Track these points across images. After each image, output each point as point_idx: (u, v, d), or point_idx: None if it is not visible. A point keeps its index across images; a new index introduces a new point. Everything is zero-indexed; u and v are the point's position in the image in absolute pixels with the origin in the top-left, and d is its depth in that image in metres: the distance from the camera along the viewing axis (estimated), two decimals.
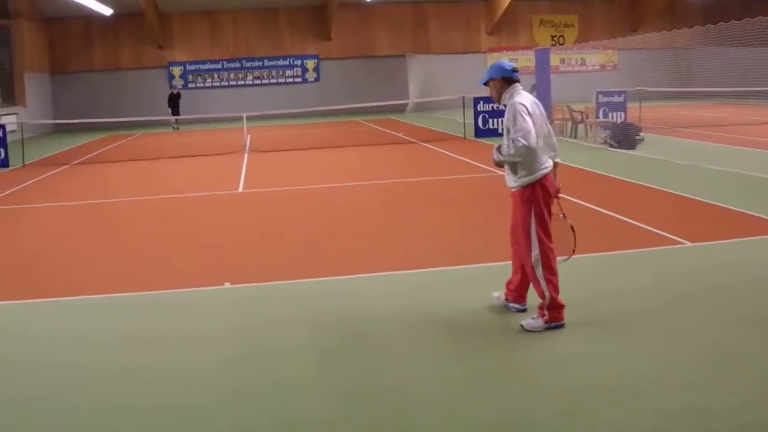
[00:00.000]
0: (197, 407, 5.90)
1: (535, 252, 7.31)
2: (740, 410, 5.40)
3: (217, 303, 8.74)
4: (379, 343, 7.09)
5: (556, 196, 7.55)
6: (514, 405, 5.68)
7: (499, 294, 7.99)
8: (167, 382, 6.41)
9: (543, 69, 27.31)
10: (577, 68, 46.42)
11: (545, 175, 7.33)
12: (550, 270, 7.32)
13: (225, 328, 7.72)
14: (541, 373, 6.27)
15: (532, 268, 7.34)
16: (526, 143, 7.04)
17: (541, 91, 26.71)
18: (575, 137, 24.21)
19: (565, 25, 47.58)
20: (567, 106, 25.38)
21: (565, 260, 7.59)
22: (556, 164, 7.56)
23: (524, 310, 7.69)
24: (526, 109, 7.15)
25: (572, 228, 7.57)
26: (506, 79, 7.41)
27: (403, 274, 9.43)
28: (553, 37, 47.27)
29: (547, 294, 7.25)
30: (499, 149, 7.33)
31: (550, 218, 7.42)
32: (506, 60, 7.82)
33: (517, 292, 7.80)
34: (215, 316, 8.20)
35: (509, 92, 7.40)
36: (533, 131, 7.07)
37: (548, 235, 7.37)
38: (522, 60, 44.53)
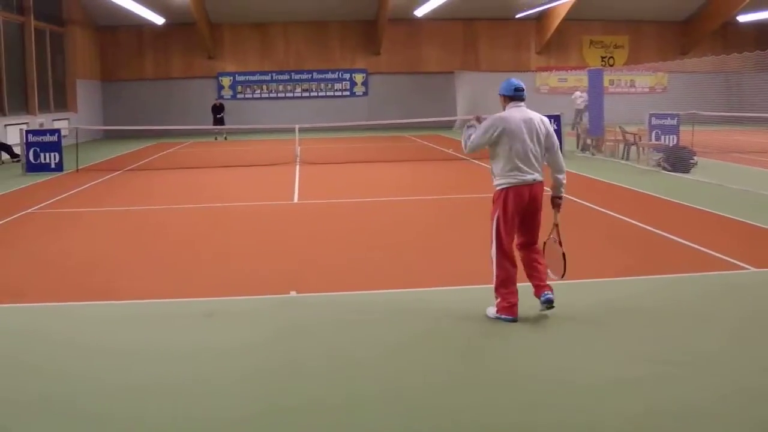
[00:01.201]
0: (270, 418, 5.92)
1: (493, 248, 8.23)
2: None
3: (284, 311, 8.74)
4: (455, 358, 7.10)
5: (555, 223, 8.53)
6: None
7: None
8: (238, 395, 6.42)
9: (596, 89, 27.18)
10: (626, 90, 46.13)
11: (515, 188, 8.07)
12: (500, 267, 8.18)
13: (293, 338, 7.76)
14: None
15: (491, 258, 8.27)
16: (463, 146, 8.55)
17: (594, 111, 26.65)
18: (627, 159, 24.08)
19: (616, 46, 47.35)
20: (620, 127, 25.25)
21: (555, 280, 8.39)
22: (555, 184, 8.45)
23: (550, 290, 8.24)
24: (494, 125, 8.14)
25: (564, 255, 8.33)
26: (508, 97, 8.31)
27: (467, 289, 9.40)
28: (603, 57, 47.06)
29: (494, 283, 8.19)
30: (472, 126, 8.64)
31: (506, 224, 8.15)
32: (516, 79, 8.39)
33: (534, 283, 8.34)
34: (285, 324, 8.21)
35: (507, 107, 8.31)
36: (476, 145, 8.34)
37: (507, 235, 8.17)
38: (571, 80, 44.56)
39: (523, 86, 8.35)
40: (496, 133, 8.09)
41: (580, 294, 9.07)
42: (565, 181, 8.41)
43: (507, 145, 8.07)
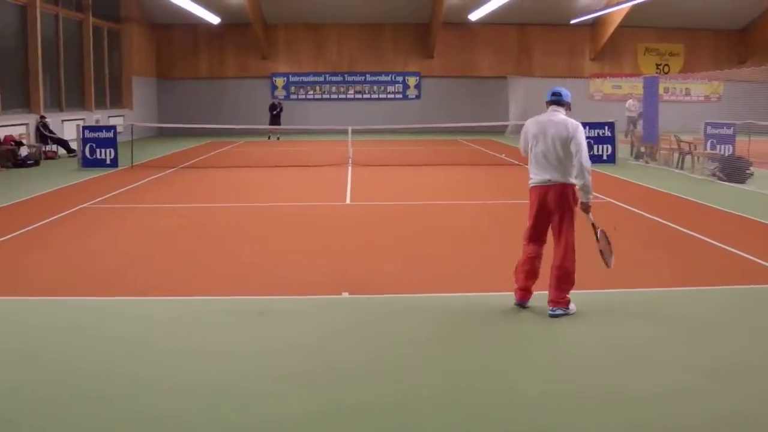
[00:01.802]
0: (321, 420, 5.95)
1: None
2: None
3: (337, 312, 8.79)
4: (511, 364, 7.10)
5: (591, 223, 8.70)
6: None
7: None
8: (289, 396, 6.46)
9: (651, 97, 26.95)
10: (681, 98, 45.67)
11: (535, 187, 8.60)
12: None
13: (350, 338, 7.80)
14: None
15: None
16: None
17: (648, 119, 26.44)
18: (682, 168, 23.82)
19: (671, 54, 46.87)
20: (675, 136, 25.01)
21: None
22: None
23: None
24: (523, 128, 8.81)
25: (601, 251, 8.67)
26: (547, 102, 8.79)
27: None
28: (657, 65, 46.62)
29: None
30: None
31: (529, 219, 8.74)
32: (561, 87, 8.96)
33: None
34: (337, 324, 8.25)
35: (546, 111, 8.74)
36: (521, 145, 8.91)
37: (530, 228, 8.73)
38: (625, 87, 44.26)
39: (561, 91, 8.76)
40: (524, 136, 8.74)
41: (631, 303, 9.02)
42: (584, 187, 8.38)
43: (533, 147, 8.59)
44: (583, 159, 8.33)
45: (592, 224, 8.63)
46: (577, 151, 8.32)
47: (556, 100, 8.68)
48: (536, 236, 8.69)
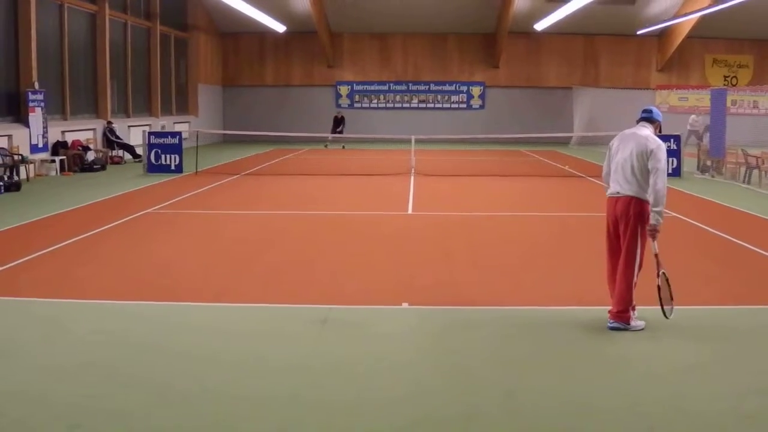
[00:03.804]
0: None
1: None
2: None
3: (397, 324, 8.77)
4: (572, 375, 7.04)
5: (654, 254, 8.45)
6: None
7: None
8: (349, 409, 6.45)
9: (719, 110, 26.52)
10: (749, 111, 44.93)
11: (608, 198, 8.68)
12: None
13: (408, 351, 7.77)
14: None
15: None
16: None
17: (716, 132, 26.05)
18: (749, 183, 23.38)
19: (740, 66, 46.17)
20: (742, 149, 24.62)
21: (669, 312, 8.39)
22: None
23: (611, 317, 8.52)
24: (610, 144, 8.86)
25: (659, 288, 8.27)
26: (637, 120, 8.84)
27: (583, 310, 9.25)
28: (725, 77, 45.93)
29: None
30: None
31: (606, 230, 8.73)
32: (653, 106, 9.10)
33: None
34: (396, 337, 8.22)
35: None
36: (604, 166, 8.91)
37: (606, 240, 8.74)
38: (691, 99, 43.71)
39: (652, 109, 8.89)
40: (608, 153, 8.86)
41: (696, 320, 8.86)
42: (656, 209, 8.17)
43: (613, 158, 8.69)
44: (659, 180, 8.17)
45: (656, 255, 8.44)
46: (654, 169, 8.20)
47: (647, 117, 8.77)
48: (612, 250, 8.64)
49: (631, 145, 8.44)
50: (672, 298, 8.35)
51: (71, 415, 6.08)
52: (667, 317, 8.30)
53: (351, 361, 7.38)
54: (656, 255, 8.39)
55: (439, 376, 7.04)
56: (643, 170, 8.28)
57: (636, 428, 5.96)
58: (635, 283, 8.39)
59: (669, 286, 8.36)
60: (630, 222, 8.34)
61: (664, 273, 8.34)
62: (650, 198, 8.22)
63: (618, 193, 8.44)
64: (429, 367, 7.28)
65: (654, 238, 8.31)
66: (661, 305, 8.27)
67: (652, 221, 8.23)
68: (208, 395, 6.50)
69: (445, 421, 6.06)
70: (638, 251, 8.37)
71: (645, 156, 8.28)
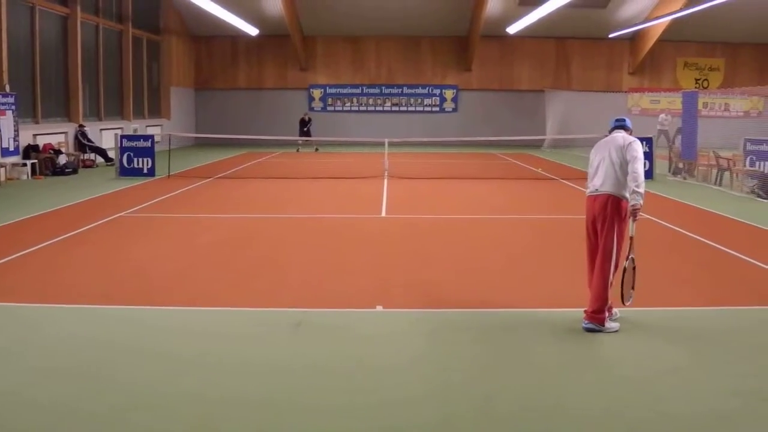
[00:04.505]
0: None
1: None
2: None
3: (372, 327, 8.73)
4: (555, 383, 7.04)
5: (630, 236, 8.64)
6: None
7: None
8: (327, 411, 6.43)
9: (690, 112, 26.67)
10: (720, 113, 45.23)
11: (587, 197, 8.81)
12: None
13: (384, 354, 7.75)
14: None
15: None
16: None
17: (687, 134, 26.18)
18: (720, 185, 23.53)
19: (711, 69, 46.49)
20: (713, 152, 24.75)
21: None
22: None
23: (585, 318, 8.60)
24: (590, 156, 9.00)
25: (624, 269, 8.48)
26: (610, 130, 9.04)
27: (560, 312, 9.24)
28: (697, 80, 46.22)
29: None
30: None
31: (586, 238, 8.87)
32: (624, 117, 9.28)
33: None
34: (372, 340, 8.19)
35: None
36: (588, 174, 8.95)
37: (586, 239, 8.85)
38: (663, 102, 43.95)
39: (625, 118, 9.13)
40: (589, 164, 8.94)
41: (672, 322, 8.90)
42: (637, 190, 8.35)
43: (592, 163, 8.84)
44: (638, 167, 8.39)
45: (631, 238, 8.56)
46: (632, 158, 8.42)
47: (620, 125, 8.99)
48: (592, 250, 8.74)
49: (609, 147, 8.65)
50: (633, 287, 8.58)
51: (48, 419, 6.03)
52: (624, 303, 8.51)
53: (327, 365, 7.35)
54: (631, 238, 8.58)
55: (416, 380, 7.01)
56: (622, 164, 8.45)
57: (614, 431, 5.96)
58: (611, 283, 8.46)
59: (634, 272, 8.59)
60: (607, 219, 8.46)
61: (633, 258, 8.56)
62: (629, 182, 8.38)
63: (597, 190, 8.57)
64: (406, 370, 7.25)
65: (635, 218, 8.48)
66: (622, 289, 8.44)
67: (632, 201, 8.38)
68: (185, 398, 6.49)
69: (423, 425, 6.03)
70: (614, 249, 8.46)
71: (623, 150, 8.50)
